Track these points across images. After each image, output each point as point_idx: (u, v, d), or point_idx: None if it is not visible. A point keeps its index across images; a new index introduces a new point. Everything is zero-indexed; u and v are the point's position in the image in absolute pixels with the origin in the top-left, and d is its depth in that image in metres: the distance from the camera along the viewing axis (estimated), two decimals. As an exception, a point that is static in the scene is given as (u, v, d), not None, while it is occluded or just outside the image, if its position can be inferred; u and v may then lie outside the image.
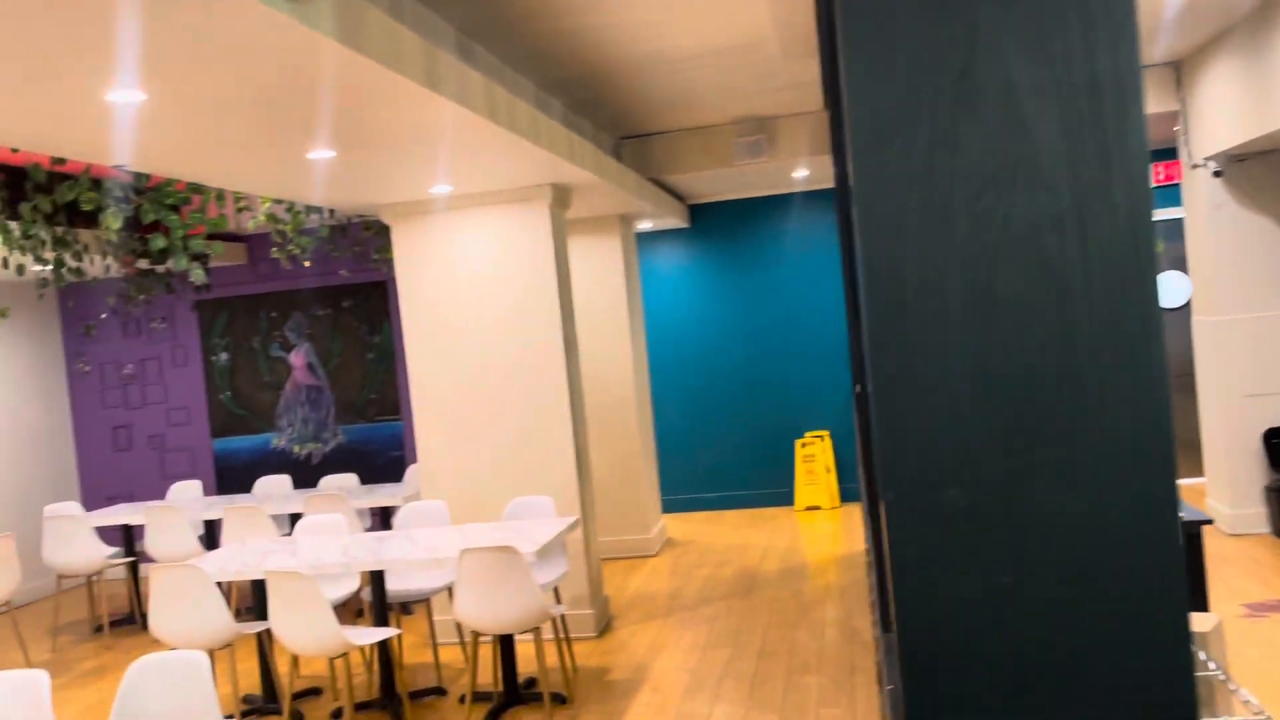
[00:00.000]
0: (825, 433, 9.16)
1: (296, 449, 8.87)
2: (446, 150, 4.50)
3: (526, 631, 4.73)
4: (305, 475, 8.82)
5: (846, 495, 9.19)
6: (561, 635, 5.84)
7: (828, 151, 7.36)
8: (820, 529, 8.29)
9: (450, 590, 5.46)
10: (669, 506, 9.51)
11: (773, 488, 9.34)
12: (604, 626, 6.09)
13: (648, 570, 7.44)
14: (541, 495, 5.74)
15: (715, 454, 9.42)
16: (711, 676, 5.09)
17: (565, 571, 5.36)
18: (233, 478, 8.95)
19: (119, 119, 3.32)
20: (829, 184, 8.82)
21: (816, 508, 9.06)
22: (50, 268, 6.26)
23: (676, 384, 9.46)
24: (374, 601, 4.96)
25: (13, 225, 5.83)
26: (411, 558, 4.63)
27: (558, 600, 5.50)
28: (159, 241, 5.16)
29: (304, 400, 8.88)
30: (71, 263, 6.19)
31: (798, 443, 9.08)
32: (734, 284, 9.33)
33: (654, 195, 7.53)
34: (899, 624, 1.17)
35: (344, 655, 4.54)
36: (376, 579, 4.98)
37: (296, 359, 8.88)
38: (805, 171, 8.17)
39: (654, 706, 4.76)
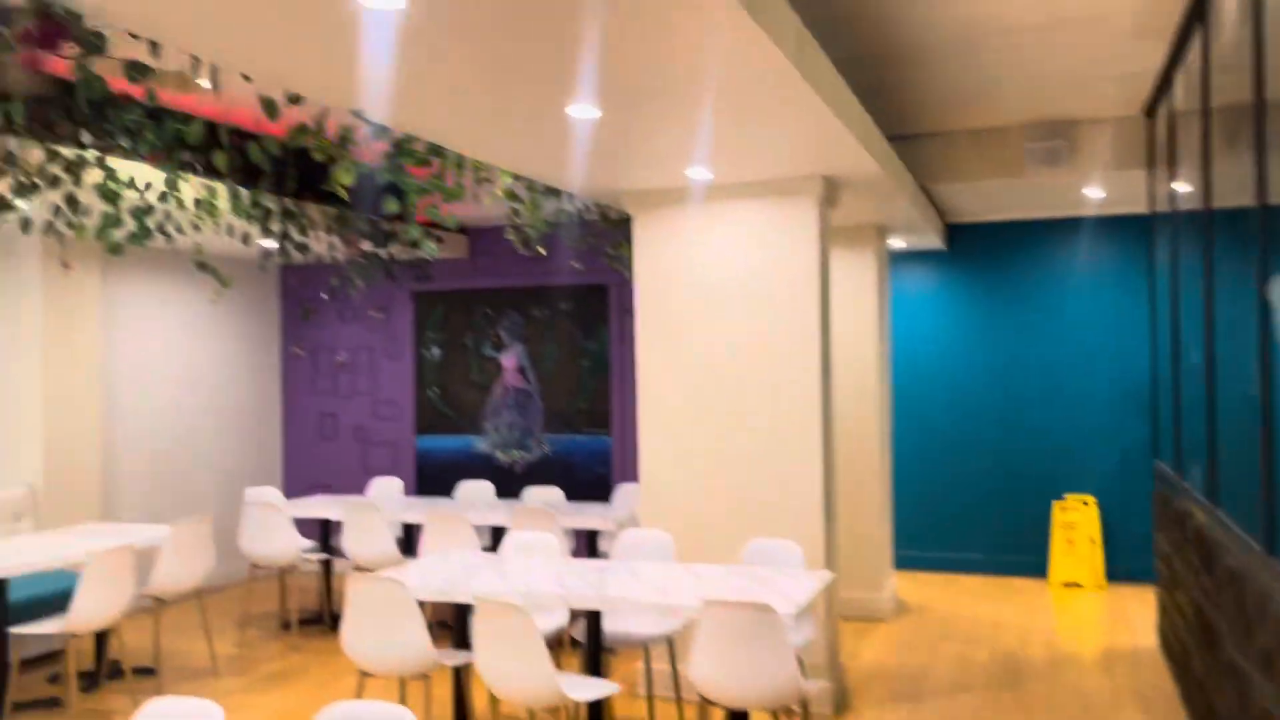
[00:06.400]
0: (1090, 498, 7.85)
1: (500, 455, 8.36)
2: (725, 110, 3.73)
3: (772, 710, 3.85)
4: (507, 482, 8.29)
5: (1114, 574, 7.84)
6: (798, 711, 4.93)
7: (1142, 165, 6.18)
8: (1085, 612, 7.01)
9: (670, 640, 4.65)
10: (897, 562, 8.42)
11: (1021, 554, 8.09)
12: (841, 703, 5.12)
13: (881, 637, 6.41)
14: (784, 539, 4.87)
15: (955, 507, 8.27)
16: (989, 793, 4.05)
17: (811, 638, 4.46)
18: (433, 476, 8.53)
19: (369, 32, 2.71)
20: (1133, 207, 7.56)
21: (1077, 585, 7.75)
22: (276, 242, 5.93)
23: (916, 423, 8.37)
24: (588, 645, 4.21)
25: (242, 193, 5.50)
26: (640, 599, 3.85)
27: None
28: (392, 204, 4.64)
29: (511, 404, 8.37)
30: (297, 236, 5.85)
31: (1056, 505, 7.81)
32: (994, 318, 8.18)
33: (923, 205, 6.56)
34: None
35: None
36: (593, 618, 4.24)
37: (508, 360, 8.38)
38: (1102, 193, 6.97)
39: (920, 824, 3.77)
